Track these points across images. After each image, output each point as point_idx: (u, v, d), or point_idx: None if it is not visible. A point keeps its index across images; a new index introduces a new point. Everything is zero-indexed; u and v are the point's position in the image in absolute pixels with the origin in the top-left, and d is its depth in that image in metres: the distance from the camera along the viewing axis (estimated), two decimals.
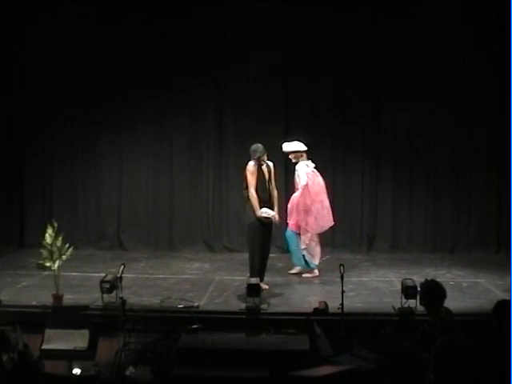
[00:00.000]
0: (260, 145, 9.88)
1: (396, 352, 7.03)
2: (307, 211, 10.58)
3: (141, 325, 8.14)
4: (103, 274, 9.28)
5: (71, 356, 7.61)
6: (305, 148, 10.76)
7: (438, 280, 7.05)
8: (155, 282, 10.39)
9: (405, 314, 8.56)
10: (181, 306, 8.92)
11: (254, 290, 8.75)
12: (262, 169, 9.84)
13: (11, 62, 12.81)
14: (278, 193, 10.15)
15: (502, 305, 5.79)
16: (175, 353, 7.80)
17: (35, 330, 7.82)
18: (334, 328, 7.93)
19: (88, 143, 12.93)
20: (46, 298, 9.05)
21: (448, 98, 12.65)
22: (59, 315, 8.26)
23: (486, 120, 12.67)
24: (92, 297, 9.15)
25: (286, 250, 11.21)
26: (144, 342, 7.96)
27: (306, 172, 10.66)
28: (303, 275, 10.76)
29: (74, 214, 12.87)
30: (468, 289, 10.09)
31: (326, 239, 12.44)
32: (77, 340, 7.66)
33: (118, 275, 8.64)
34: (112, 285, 8.79)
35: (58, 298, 8.97)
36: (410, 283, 8.73)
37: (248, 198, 9.76)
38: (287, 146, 10.77)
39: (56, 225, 9.05)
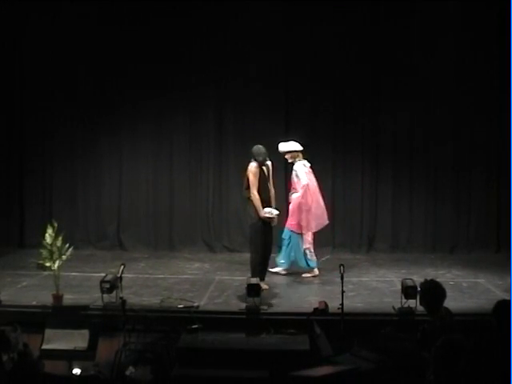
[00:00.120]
0: (262, 147, 9.92)
1: (396, 352, 7.04)
2: (308, 211, 10.62)
3: (141, 325, 8.14)
4: (103, 274, 9.28)
5: (71, 356, 7.61)
6: (300, 148, 10.77)
7: (438, 280, 7.05)
8: (155, 282, 10.39)
9: (405, 313, 8.56)
10: (181, 306, 8.93)
11: (254, 290, 8.75)
12: (262, 170, 9.88)
13: (11, 62, 12.80)
14: (277, 192, 10.20)
15: (502, 305, 5.79)
16: (175, 353, 7.80)
17: (35, 330, 7.83)
18: (334, 328, 7.94)
19: (88, 143, 12.93)
20: (46, 298, 9.05)
21: (448, 98, 12.65)
22: (59, 315, 8.25)
23: (485, 120, 12.67)
24: (92, 297, 9.15)
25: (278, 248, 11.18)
26: (144, 342, 7.96)
27: (304, 172, 10.69)
28: (303, 275, 10.76)
29: (73, 214, 12.87)
30: (468, 289, 10.09)
31: (326, 239, 12.50)
32: (77, 340, 7.66)
33: (118, 275, 8.64)
34: (112, 285, 8.79)
35: (57, 297, 8.97)
36: (409, 283, 8.73)
37: (249, 199, 9.79)
38: (283, 146, 10.77)
39: (56, 225, 9.05)
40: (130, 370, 7.45)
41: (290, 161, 10.83)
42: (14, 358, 6.59)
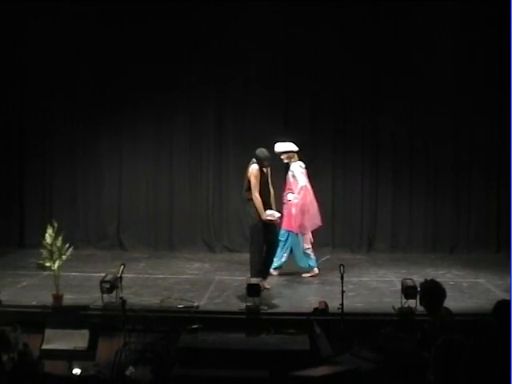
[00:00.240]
0: (265, 150, 9.93)
1: (396, 352, 7.04)
2: (305, 211, 10.64)
3: (141, 325, 8.13)
4: (103, 274, 9.28)
5: (71, 356, 7.60)
6: (296, 148, 10.77)
7: (438, 280, 7.05)
8: (155, 282, 10.39)
9: (405, 314, 8.56)
10: (181, 306, 8.92)
11: (254, 290, 8.75)
12: (263, 172, 9.88)
13: (11, 62, 12.80)
14: (276, 193, 10.20)
15: (502, 305, 5.79)
16: (175, 353, 7.79)
17: (35, 330, 7.82)
18: (334, 328, 7.94)
19: (88, 143, 12.93)
20: (46, 298, 9.05)
21: (448, 98, 12.66)
22: (59, 315, 8.24)
23: (486, 120, 12.67)
24: (92, 297, 9.15)
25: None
26: (144, 342, 7.96)
27: (301, 173, 10.71)
28: (303, 275, 10.76)
29: (73, 214, 12.87)
30: (468, 289, 10.09)
31: (326, 239, 12.53)
32: (77, 340, 7.65)
33: (118, 275, 8.64)
34: (112, 285, 8.79)
35: (57, 297, 8.97)
36: (409, 283, 8.73)
37: (249, 200, 9.80)
38: (279, 147, 10.76)
39: (56, 225, 9.04)
40: (130, 370, 7.45)
41: (285, 161, 10.83)
42: (14, 358, 6.59)
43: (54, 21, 12.67)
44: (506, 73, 11.75)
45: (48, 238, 8.98)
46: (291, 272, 10.82)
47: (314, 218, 10.84)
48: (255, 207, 9.74)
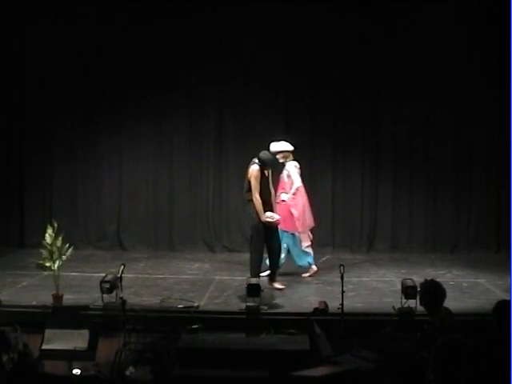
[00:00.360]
0: (270, 154, 9.93)
1: (396, 352, 7.03)
2: (300, 212, 10.63)
3: (141, 325, 8.13)
4: (103, 274, 9.27)
5: (71, 356, 7.60)
6: (292, 148, 10.77)
7: (438, 280, 7.06)
8: (155, 282, 10.39)
9: (405, 313, 8.56)
10: (181, 306, 8.92)
11: (254, 290, 8.75)
12: (264, 173, 9.87)
13: (11, 61, 12.79)
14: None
15: (502, 305, 5.79)
16: (175, 353, 7.79)
17: (35, 330, 7.82)
18: (334, 328, 7.93)
19: (88, 143, 12.93)
20: (46, 298, 9.05)
21: (448, 98, 12.66)
22: (59, 315, 8.24)
23: (485, 120, 12.67)
24: (92, 297, 9.15)
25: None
26: (144, 342, 7.95)
27: (297, 173, 10.72)
28: (303, 275, 10.76)
29: (73, 214, 12.87)
30: (468, 289, 10.09)
31: (326, 239, 12.53)
32: (77, 340, 7.65)
33: (118, 275, 8.62)
34: (112, 285, 8.78)
35: (57, 297, 8.97)
36: (409, 283, 8.72)
37: (250, 201, 9.79)
38: (275, 146, 10.75)
39: (56, 225, 9.04)
40: (130, 370, 7.45)
41: (281, 161, 10.81)
42: (13, 358, 6.59)
43: (53, 21, 12.66)
44: (506, 73, 11.74)
45: (48, 238, 8.98)
46: (291, 272, 10.82)
47: (307, 219, 10.84)
48: (255, 208, 9.74)
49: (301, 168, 10.89)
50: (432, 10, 12.48)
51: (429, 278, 7.19)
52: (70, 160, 12.94)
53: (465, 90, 12.59)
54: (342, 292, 8.16)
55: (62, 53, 12.60)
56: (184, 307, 8.86)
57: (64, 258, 9.05)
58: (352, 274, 10.60)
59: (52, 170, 12.96)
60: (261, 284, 9.02)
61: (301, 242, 10.70)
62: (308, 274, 10.76)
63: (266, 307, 8.90)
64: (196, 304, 9.00)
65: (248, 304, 8.80)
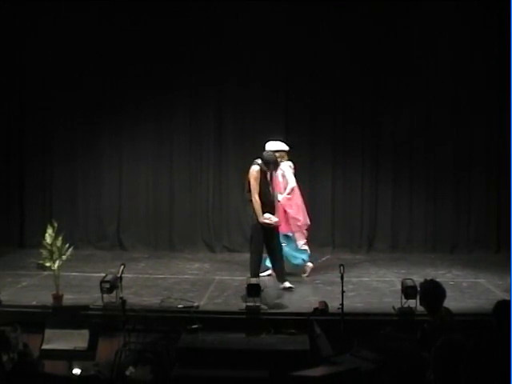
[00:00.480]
0: (273, 155, 9.93)
1: (396, 352, 7.03)
2: (295, 211, 10.64)
3: (141, 325, 8.13)
4: (103, 274, 9.26)
5: (71, 356, 7.60)
6: (287, 148, 10.75)
7: (438, 280, 7.06)
8: (155, 282, 10.39)
9: (405, 314, 8.56)
10: (181, 306, 8.92)
11: (254, 290, 8.74)
12: (264, 173, 9.84)
13: (11, 62, 12.79)
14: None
15: (502, 305, 5.79)
16: (175, 353, 7.79)
17: (35, 330, 7.81)
18: (334, 328, 7.93)
19: (88, 143, 12.93)
20: (46, 298, 9.04)
21: (448, 98, 12.66)
22: (59, 315, 8.25)
23: (485, 120, 12.67)
24: (92, 297, 9.14)
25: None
26: (144, 342, 7.95)
27: (291, 173, 10.72)
28: (303, 275, 10.75)
29: (74, 214, 12.87)
30: (468, 289, 10.09)
31: (326, 239, 12.53)
32: (77, 340, 7.65)
33: (118, 275, 8.63)
34: (112, 285, 8.78)
35: (57, 297, 8.96)
36: (409, 283, 8.72)
37: (250, 201, 9.78)
38: (271, 145, 10.73)
39: (56, 225, 9.04)
40: (130, 370, 7.45)
41: None
42: (13, 358, 6.59)
43: (53, 21, 12.66)
44: (506, 73, 11.75)
45: (48, 238, 8.97)
46: (291, 272, 10.81)
47: (303, 219, 10.82)
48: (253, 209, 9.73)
49: (295, 168, 10.88)
50: (432, 10, 12.48)
51: (429, 278, 7.18)
52: (69, 160, 12.94)
53: (465, 90, 12.59)
54: (342, 292, 8.15)
55: (62, 53, 12.59)
56: (184, 307, 8.85)
57: (64, 257, 9.05)
58: (352, 274, 10.59)
59: (52, 170, 12.96)
60: (261, 284, 9.02)
61: (296, 241, 10.68)
62: (306, 274, 10.75)
63: (265, 307, 8.89)
64: (196, 304, 8.99)
65: (248, 304, 8.80)
